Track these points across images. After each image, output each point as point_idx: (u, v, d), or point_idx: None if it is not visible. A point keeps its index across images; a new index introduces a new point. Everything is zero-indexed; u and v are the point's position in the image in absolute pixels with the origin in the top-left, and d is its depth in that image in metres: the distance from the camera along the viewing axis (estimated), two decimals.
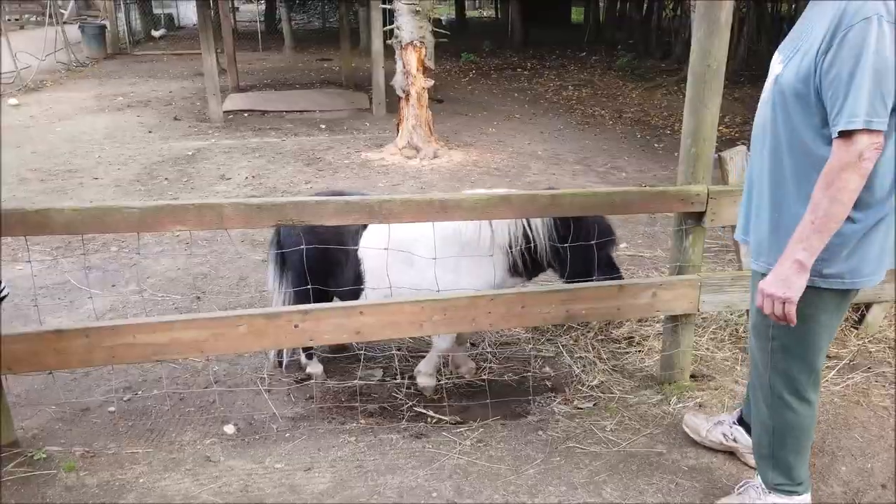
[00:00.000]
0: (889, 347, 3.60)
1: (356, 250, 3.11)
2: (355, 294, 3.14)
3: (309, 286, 3.08)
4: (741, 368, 3.43)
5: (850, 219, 1.93)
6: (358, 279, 3.11)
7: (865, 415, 3.07)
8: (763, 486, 2.42)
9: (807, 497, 2.41)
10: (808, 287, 1.97)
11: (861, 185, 1.86)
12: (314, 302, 3.04)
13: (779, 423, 2.29)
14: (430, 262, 2.95)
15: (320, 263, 3.11)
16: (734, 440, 2.77)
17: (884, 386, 3.28)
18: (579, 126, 9.77)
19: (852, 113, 1.80)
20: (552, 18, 23.64)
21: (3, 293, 2.70)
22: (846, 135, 1.83)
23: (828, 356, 3.49)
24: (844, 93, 1.82)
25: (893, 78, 1.80)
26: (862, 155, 1.82)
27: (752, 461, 2.66)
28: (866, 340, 3.64)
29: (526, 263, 3.06)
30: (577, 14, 26.16)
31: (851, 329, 3.68)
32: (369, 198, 2.70)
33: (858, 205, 1.93)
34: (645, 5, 18.49)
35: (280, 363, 3.57)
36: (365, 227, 3.11)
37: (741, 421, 2.76)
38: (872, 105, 1.79)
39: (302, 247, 2.91)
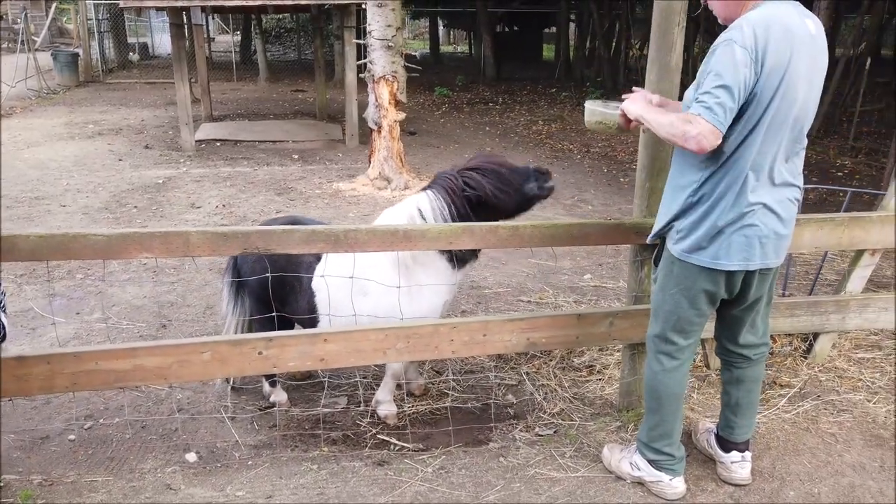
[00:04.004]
0: (838, 377, 3.73)
1: (310, 281, 3.16)
2: (313, 322, 3.19)
3: (273, 314, 3.12)
4: (696, 396, 3.53)
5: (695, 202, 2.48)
6: (312, 309, 3.17)
7: (814, 441, 3.18)
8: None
9: (662, 477, 2.76)
10: (669, 254, 2.59)
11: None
12: (269, 329, 3.08)
13: (647, 374, 2.80)
14: (382, 291, 3.03)
15: (276, 291, 3.15)
16: (711, 448, 2.99)
17: (832, 413, 3.41)
18: (548, 160, 9.97)
19: None
20: (524, 55, 24.16)
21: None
22: None
23: (780, 385, 3.62)
24: None
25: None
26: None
27: (724, 474, 2.88)
28: (817, 370, 3.77)
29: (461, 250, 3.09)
30: (548, 51, 26.77)
31: (801, 358, 3.81)
32: (335, 227, 2.77)
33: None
34: (613, 44, 19.04)
35: (231, 383, 3.59)
36: (319, 258, 3.17)
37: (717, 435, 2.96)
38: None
39: (267, 275, 2.96)
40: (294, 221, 3.21)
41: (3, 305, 2.53)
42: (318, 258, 3.15)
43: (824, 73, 2.39)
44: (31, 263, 5.02)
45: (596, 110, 2.71)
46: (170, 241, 2.57)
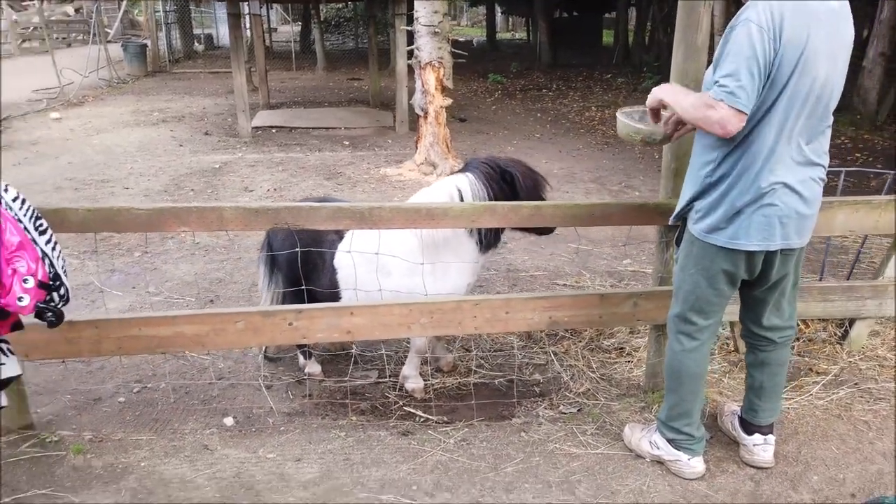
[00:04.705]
0: (879, 365, 3.63)
1: (333, 258, 3.27)
2: (335, 299, 3.30)
3: (302, 287, 3.26)
4: (726, 380, 3.50)
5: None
6: (334, 285, 3.28)
7: (845, 428, 3.12)
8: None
9: (681, 456, 2.77)
10: (690, 234, 2.60)
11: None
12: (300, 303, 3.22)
13: (667, 354, 2.83)
14: (405, 272, 3.12)
15: (304, 266, 3.28)
16: (735, 430, 2.98)
17: (868, 401, 3.32)
18: (598, 146, 9.87)
19: None
20: (582, 40, 23.80)
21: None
22: None
23: (816, 372, 3.55)
24: None
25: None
26: None
27: (746, 456, 2.88)
28: (857, 358, 3.67)
29: (489, 233, 3.18)
30: (608, 36, 26.28)
31: (839, 345, 3.72)
32: (360, 204, 2.88)
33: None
34: (672, 29, 18.56)
35: (266, 354, 3.78)
36: (342, 237, 3.27)
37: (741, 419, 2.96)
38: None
39: (291, 251, 3.10)
40: (325, 200, 3.34)
41: (65, 270, 2.70)
42: (340, 237, 3.27)
43: (850, 49, 2.34)
44: (94, 242, 5.34)
45: (622, 121, 2.75)
46: (205, 215, 2.73)
